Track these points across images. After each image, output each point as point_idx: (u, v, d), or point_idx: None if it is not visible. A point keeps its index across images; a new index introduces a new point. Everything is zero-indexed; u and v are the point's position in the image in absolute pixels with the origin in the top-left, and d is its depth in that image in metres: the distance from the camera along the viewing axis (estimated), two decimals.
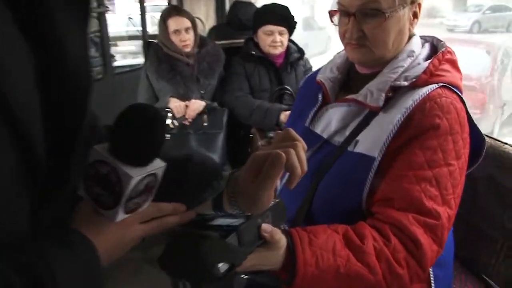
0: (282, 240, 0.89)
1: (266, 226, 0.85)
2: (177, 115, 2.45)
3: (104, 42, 3.42)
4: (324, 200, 1.08)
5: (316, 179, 1.09)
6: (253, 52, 2.59)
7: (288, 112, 2.25)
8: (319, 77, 1.23)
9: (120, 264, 2.60)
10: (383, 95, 1.04)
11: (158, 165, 0.62)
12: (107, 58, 3.43)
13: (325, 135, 1.15)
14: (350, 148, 1.06)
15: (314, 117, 1.20)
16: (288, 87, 2.59)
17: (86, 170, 0.60)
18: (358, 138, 1.06)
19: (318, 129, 1.17)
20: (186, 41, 2.52)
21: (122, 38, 7.39)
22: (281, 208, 0.92)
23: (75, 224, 0.61)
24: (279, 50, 2.58)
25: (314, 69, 2.72)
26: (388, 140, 1.00)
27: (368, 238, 0.94)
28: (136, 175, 0.58)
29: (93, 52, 3.35)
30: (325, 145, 1.14)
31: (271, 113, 2.41)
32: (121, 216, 0.61)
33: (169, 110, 2.41)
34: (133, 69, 3.90)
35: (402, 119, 1.00)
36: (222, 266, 0.75)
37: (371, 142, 1.03)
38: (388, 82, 1.06)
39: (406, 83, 1.05)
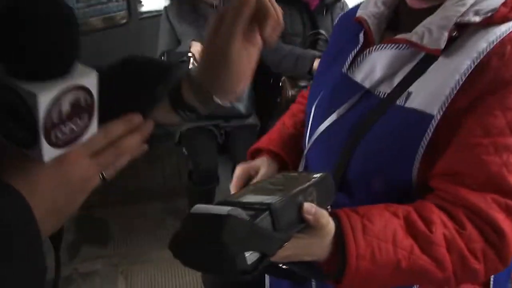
0: (330, 225, 0.71)
1: (309, 206, 0.68)
2: None
3: None
4: (364, 166, 0.87)
5: (355, 138, 0.88)
6: None
7: None
8: (360, 13, 0.99)
9: (142, 216, 2.47)
10: (446, 34, 0.81)
11: (81, 76, 0.47)
12: (132, 1, 3.23)
13: (367, 84, 0.93)
14: (399, 102, 0.84)
15: (354, 61, 0.97)
16: (323, 31, 2.35)
17: None
18: (410, 89, 0.84)
19: (358, 77, 0.95)
20: None
21: None
22: (328, 183, 0.76)
23: None
24: None
25: None
26: (453, 94, 0.78)
27: (436, 224, 0.75)
28: (43, 92, 0.44)
29: None
30: (367, 96, 0.92)
31: (303, 60, 2.19)
32: (50, 151, 0.47)
33: (192, 55, 2.20)
34: (160, 14, 3.72)
35: (473, 67, 0.77)
36: (250, 256, 0.58)
37: (428, 95, 0.81)
38: (453, 17, 0.81)
39: (477, 19, 0.80)
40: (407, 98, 0.83)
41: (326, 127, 0.95)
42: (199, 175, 2.23)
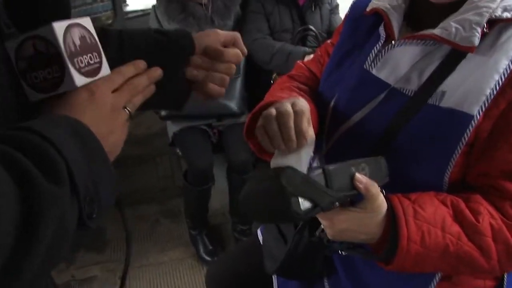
0: (380, 198, 0.77)
1: (360, 176, 0.76)
2: None
3: None
4: (396, 168, 0.84)
5: (386, 139, 0.85)
6: None
7: (312, 56, 2.02)
8: (377, 5, 0.94)
9: (138, 219, 2.45)
10: (479, 31, 0.78)
11: (78, 19, 0.58)
12: (117, 1, 3.15)
13: (391, 82, 0.88)
14: (432, 101, 0.81)
15: (375, 58, 0.92)
16: (312, 27, 2.31)
17: (18, 68, 0.56)
18: (443, 88, 0.81)
19: (381, 74, 0.90)
20: None
21: None
22: (381, 164, 0.81)
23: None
24: None
25: (341, 7, 2.53)
26: (493, 94, 0.76)
27: (483, 215, 0.77)
28: (56, 23, 0.54)
29: None
30: (393, 94, 0.87)
31: (294, 56, 2.15)
32: (79, 78, 0.56)
33: None
34: (146, 13, 3.67)
35: (511, 66, 0.76)
36: (304, 203, 0.68)
37: (465, 94, 0.78)
38: (485, 14, 0.79)
39: (509, 15, 0.78)
40: (441, 97, 0.80)
41: (351, 126, 0.91)
42: (194, 175, 2.19)
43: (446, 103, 0.80)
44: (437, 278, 0.88)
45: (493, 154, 0.78)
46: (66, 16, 0.64)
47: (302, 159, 0.75)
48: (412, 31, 0.90)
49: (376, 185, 0.76)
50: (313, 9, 2.37)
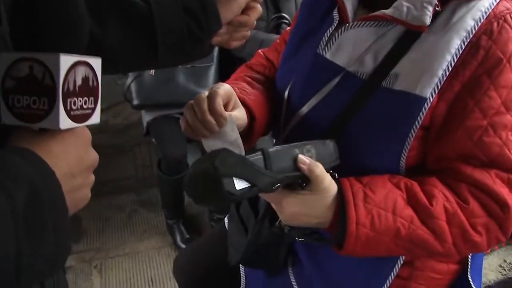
0: (331, 185, 0.76)
1: (303, 157, 0.74)
2: None
3: None
4: (350, 153, 0.82)
5: (340, 122, 0.83)
6: None
7: None
8: None
9: (115, 209, 2.43)
10: (431, 9, 0.76)
11: (89, 57, 0.52)
12: None
13: (345, 65, 0.85)
14: (386, 84, 0.79)
15: (328, 41, 0.89)
16: (286, 15, 2.27)
17: (3, 85, 0.49)
18: (396, 70, 0.79)
19: (335, 57, 0.87)
20: None
21: None
22: (329, 146, 0.80)
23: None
24: None
25: None
26: (445, 75, 0.75)
27: (437, 198, 0.76)
28: (64, 55, 0.48)
29: None
30: (347, 77, 0.84)
31: (267, 44, 2.03)
32: (65, 121, 0.49)
33: None
34: None
35: (463, 46, 0.74)
36: (239, 183, 0.67)
37: (418, 76, 0.76)
38: None
39: None
40: (394, 80, 0.79)
41: (306, 112, 0.89)
42: (168, 164, 2.17)
43: (399, 85, 0.78)
44: (399, 264, 0.87)
45: (449, 138, 0.78)
46: (72, 36, 0.60)
47: (228, 138, 0.76)
48: (368, 13, 0.87)
49: (320, 166, 0.75)
50: None
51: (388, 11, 0.79)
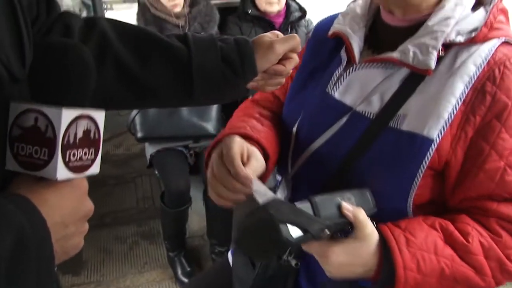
0: (373, 232, 0.76)
1: (346, 204, 0.75)
2: None
3: (97, 4, 3.18)
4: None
5: (349, 162, 0.84)
6: (249, 11, 2.32)
7: None
8: (338, 28, 0.93)
9: (116, 240, 2.41)
10: (436, 54, 0.79)
11: (93, 110, 0.54)
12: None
13: (352, 105, 0.87)
14: (393, 124, 0.81)
15: (337, 81, 0.91)
16: None
17: (10, 133, 0.51)
18: (402, 110, 0.81)
19: (343, 97, 0.89)
20: (175, 0, 2.26)
21: (117, 1, 7.11)
22: (366, 195, 0.81)
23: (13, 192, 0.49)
24: (275, 8, 2.33)
25: None
26: (451, 118, 0.78)
27: (472, 235, 0.78)
28: (67, 110, 0.50)
29: (84, 15, 3.14)
30: (355, 117, 0.86)
31: None
32: (63, 172, 0.51)
33: None
34: None
35: (467, 91, 0.78)
36: (294, 230, 0.68)
37: (424, 117, 0.79)
38: (440, 37, 0.80)
39: (462, 39, 0.80)
40: (401, 120, 0.80)
41: (315, 149, 0.90)
42: (171, 196, 2.16)
43: (407, 126, 0.80)
44: None
45: (471, 182, 0.80)
46: (78, 85, 0.61)
47: (260, 194, 0.76)
48: (372, 54, 0.90)
49: (363, 212, 0.75)
50: (289, 31, 2.38)
51: (395, 55, 0.82)
